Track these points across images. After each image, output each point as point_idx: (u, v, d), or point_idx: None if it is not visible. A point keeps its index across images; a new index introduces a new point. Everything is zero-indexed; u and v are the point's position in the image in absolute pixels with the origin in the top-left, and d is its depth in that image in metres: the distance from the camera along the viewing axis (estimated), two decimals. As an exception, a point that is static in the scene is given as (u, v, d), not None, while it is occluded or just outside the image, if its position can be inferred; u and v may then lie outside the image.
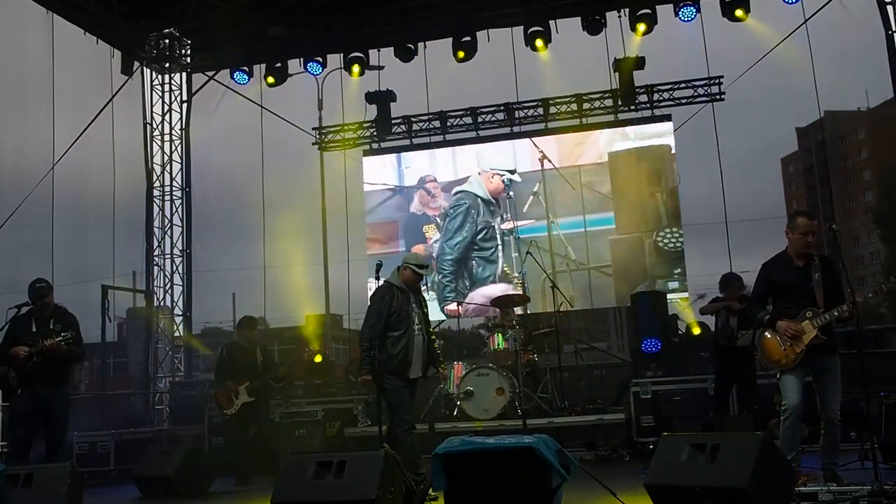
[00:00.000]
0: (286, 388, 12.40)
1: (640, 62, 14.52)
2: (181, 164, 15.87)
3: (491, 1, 14.29)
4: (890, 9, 12.96)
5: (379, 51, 15.33)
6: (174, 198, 15.69)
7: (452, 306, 14.60)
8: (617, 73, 14.77)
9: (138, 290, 16.02)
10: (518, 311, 13.01)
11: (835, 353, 6.92)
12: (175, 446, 10.64)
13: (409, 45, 14.95)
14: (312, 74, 15.67)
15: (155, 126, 15.67)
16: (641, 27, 13.99)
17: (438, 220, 15.58)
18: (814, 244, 7.02)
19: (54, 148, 14.38)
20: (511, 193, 15.28)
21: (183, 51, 15.73)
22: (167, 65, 15.60)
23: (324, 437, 12.03)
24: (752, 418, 9.80)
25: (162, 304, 15.38)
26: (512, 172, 15.33)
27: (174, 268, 15.52)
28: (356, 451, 8.80)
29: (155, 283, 15.37)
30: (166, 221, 15.58)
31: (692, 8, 13.93)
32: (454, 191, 15.58)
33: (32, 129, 14.46)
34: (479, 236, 15.31)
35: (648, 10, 13.97)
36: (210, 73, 16.09)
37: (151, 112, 15.70)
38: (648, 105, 15.09)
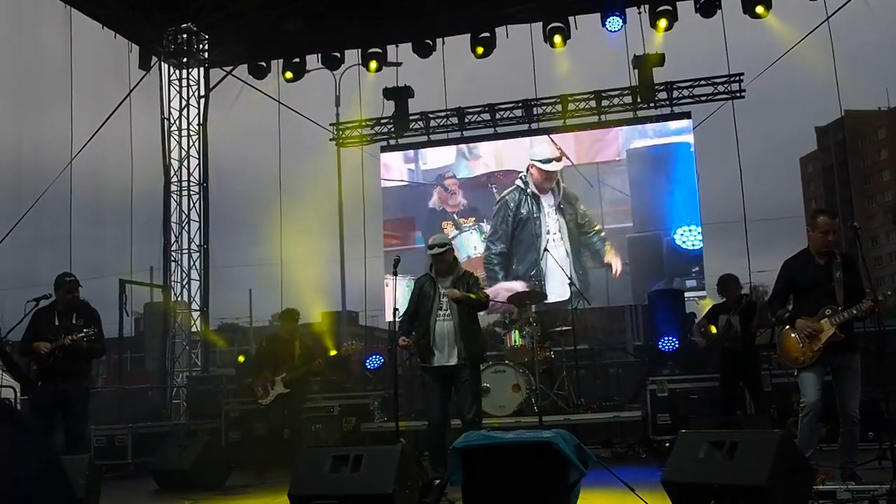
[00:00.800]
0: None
1: (660, 59, 14.46)
2: (199, 159, 15.88)
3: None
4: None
5: (397, 46, 15.32)
6: (191, 193, 15.69)
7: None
8: (636, 70, 14.70)
9: (156, 285, 16.07)
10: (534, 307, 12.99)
11: (855, 352, 6.88)
12: (192, 440, 10.67)
13: (427, 41, 14.92)
14: (330, 70, 15.69)
15: (172, 121, 15.66)
16: (662, 23, 13.88)
17: (456, 216, 15.56)
18: (834, 243, 6.98)
19: (72, 142, 14.43)
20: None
21: (200, 46, 15.73)
22: (185, 60, 15.59)
23: (340, 433, 12.06)
24: (769, 417, 9.76)
25: (179, 298, 15.41)
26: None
27: (191, 263, 15.53)
28: (373, 445, 8.84)
29: (172, 279, 15.40)
30: (184, 216, 15.59)
31: (711, 4, 13.83)
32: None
33: (51, 123, 14.54)
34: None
35: (669, 7, 13.87)
36: (228, 68, 16.10)
37: (169, 107, 15.69)
38: (668, 102, 15.01)
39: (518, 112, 15.63)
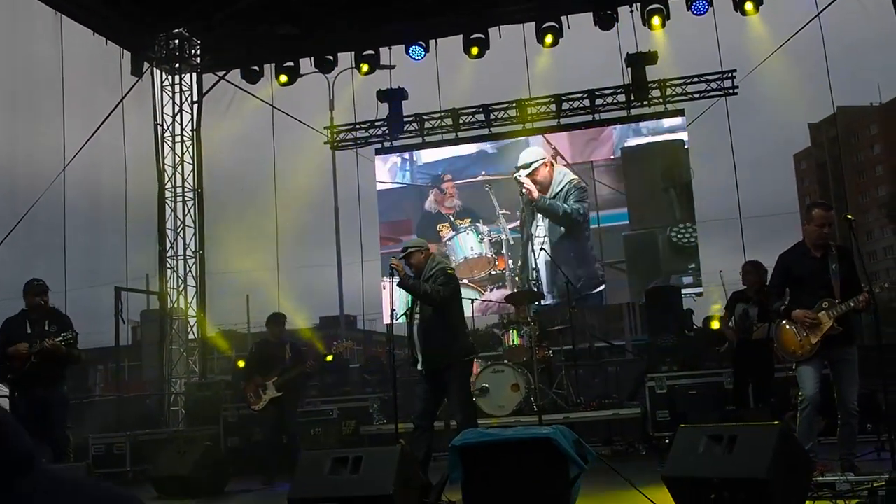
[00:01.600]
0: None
1: (652, 57, 14.46)
2: (193, 164, 15.82)
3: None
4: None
5: (390, 49, 15.30)
6: (186, 199, 15.65)
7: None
8: (629, 68, 14.71)
9: (152, 292, 16.03)
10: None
11: (852, 344, 6.90)
12: (190, 446, 10.64)
13: (421, 43, 14.91)
14: (323, 74, 15.70)
15: (166, 127, 15.61)
16: (655, 21, 13.85)
17: (452, 217, 15.54)
18: (829, 235, 6.98)
19: (65, 150, 14.40)
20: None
21: (193, 51, 15.69)
22: (177, 65, 15.55)
23: (340, 436, 12.05)
24: (769, 410, 9.74)
25: (175, 305, 15.39)
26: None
27: (187, 269, 15.51)
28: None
29: (168, 285, 15.37)
30: (179, 223, 15.55)
31: (704, 2, 13.83)
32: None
33: (43, 131, 14.51)
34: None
35: (660, 5, 13.87)
36: (220, 73, 16.08)
37: (162, 113, 15.63)
38: (661, 100, 15.01)
39: (512, 112, 15.61)
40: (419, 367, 7.89)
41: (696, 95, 15.04)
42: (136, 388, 18.32)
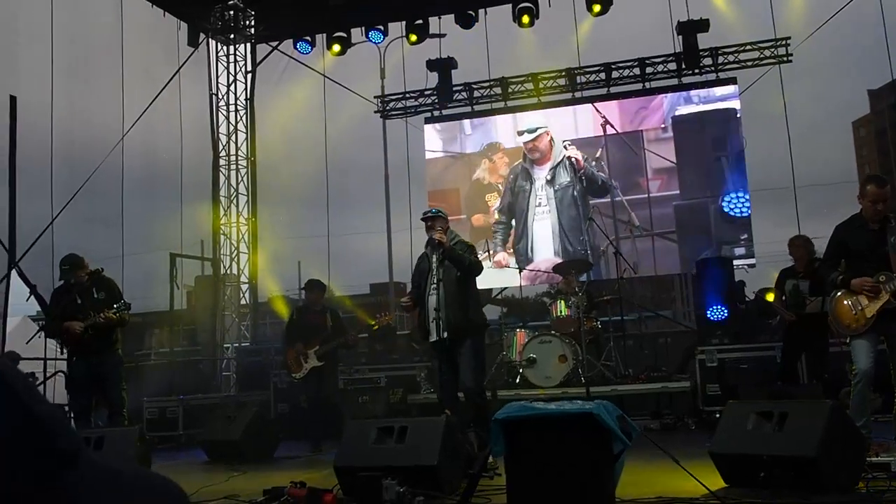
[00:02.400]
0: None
1: (704, 24, 14.26)
2: (246, 133, 16.07)
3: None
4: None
5: (440, 18, 15.30)
6: (240, 167, 15.89)
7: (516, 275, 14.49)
8: (680, 37, 14.52)
9: (205, 258, 16.27)
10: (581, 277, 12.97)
11: (909, 319, 6.73)
12: (241, 411, 10.81)
13: (470, 13, 14.85)
14: (374, 43, 15.75)
15: (220, 96, 15.87)
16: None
17: (501, 187, 15.54)
18: (885, 210, 6.82)
19: (124, 119, 14.62)
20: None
21: (247, 22, 15.86)
22: (232, 36, 15.74)
23: (387, 404, 12.08)
24: (822, 387, 9.59)
25: (228, 271, 15.63)
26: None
27: (240, 236, 15.74)
28: (419, 417, 8.88)
29: (221, 252, 15.62)
30: (232, 191, 15.79)
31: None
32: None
33: (102, 100, 14.72)
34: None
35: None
36: (274, 44, 16.20)
37: (217, 83, 15.91)
38: (713, 68, 14.80)
39: (561, 81, 15.50)
40: (433, 338, 7.80)
41: (749, 63, 14.81)
42: (190, 353, 18.62)
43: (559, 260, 14.20)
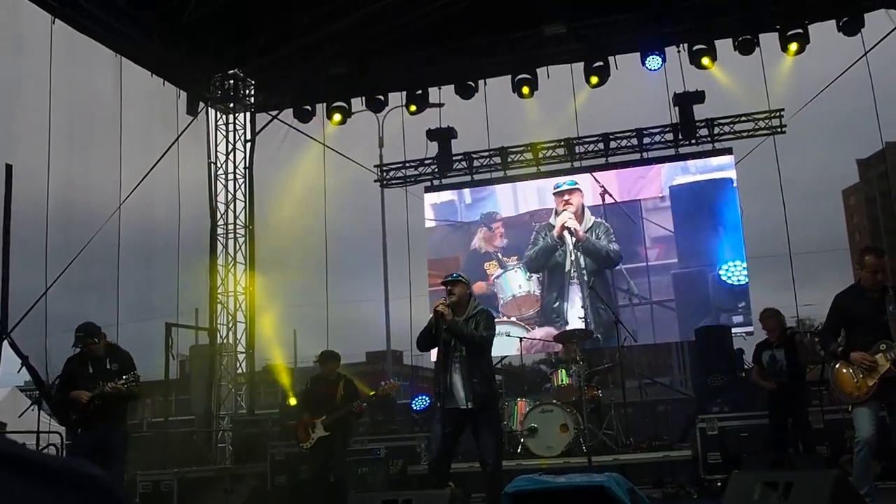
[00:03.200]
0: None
1: (700, 96, 14.47)
2: (245, 202, 16.09)
3: (551, 39, 14.26)
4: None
5: (440, 88, 15.46)
6: (238, 235, 15.89)
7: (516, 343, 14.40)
8: (677, 108, 14.71)
9: (202, 328, 16.17)
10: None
11: (910, 386, 6.76)
12: (237, 485, 10.62)
13: (470, 83, 15.02)
14: (374, 112, 15.89)
15: (219, 165, 15.91)
16: (705, 61, 13.88)
17: (500, 255, 15.58)
18: (884, 281, 6.94)
19: (121, 186, 14.61)
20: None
21: (247, 91, 15.99)
22: (231, 105, 15.86)
23: (387, 475, 11.89)
24: (820, 455, 9.59)
25: (225, 341, 15.54)
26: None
27: (237, 305, 15.69)
28: (420, 489, 8.75)
29: (218, 321, 15.55)
30: (230, 259, 15.78)
31: (753, 42, 13.83)
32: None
33: (100, 168, 14.72)
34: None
35: (704, 46, 13.87)
36: (273, 113, 16.33)
37: (216, 151, 15.95)
38: (709, 139, 14.99)
39: (560, 150, 15.66)
40: (462, 406, 7.54)
41: (745, 134, 15.01)
42: (184, 424, 18.40)
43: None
